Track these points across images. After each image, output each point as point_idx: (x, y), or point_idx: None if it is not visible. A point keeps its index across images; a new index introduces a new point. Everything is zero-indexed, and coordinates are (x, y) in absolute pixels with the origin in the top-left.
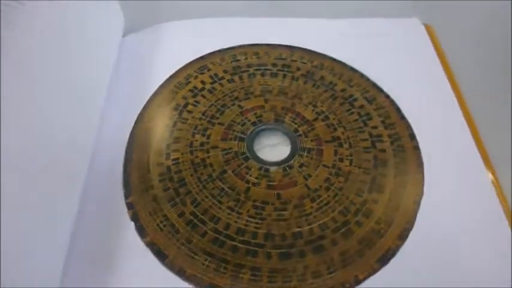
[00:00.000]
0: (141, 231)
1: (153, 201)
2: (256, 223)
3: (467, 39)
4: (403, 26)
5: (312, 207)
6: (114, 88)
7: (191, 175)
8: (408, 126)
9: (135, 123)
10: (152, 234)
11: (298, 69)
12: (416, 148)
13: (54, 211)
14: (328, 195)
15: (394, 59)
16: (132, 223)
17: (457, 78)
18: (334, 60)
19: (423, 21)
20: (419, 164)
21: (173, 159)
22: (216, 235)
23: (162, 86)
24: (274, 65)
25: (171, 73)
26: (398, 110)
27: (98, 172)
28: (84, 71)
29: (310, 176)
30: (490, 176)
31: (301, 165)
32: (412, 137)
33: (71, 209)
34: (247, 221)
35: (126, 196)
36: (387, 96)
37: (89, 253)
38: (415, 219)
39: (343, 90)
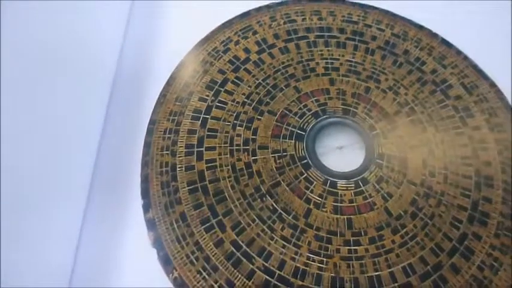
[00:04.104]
0: (165, 263)
1: (181, 221)
2: (321, 262)
3: None
4: None
5: (393, 241)
6: (125, 57)
7: (232, 187)
8: None
9: (155, 106)
10: (181, 269)
11: (374, 38)
12: None
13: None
14: (415, 226)
15: (505, 36)
16: (155, 251)
17: None
18: (421, 27)
19: None
20: None
21: (208, 161)
22: (267, 277)
23: (191, 53)
24: (341, 30)
25: (204, 35)
26: (507, 105)
27: (104, 180)
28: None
29: (391, 196)
30: None
31: (379, 180)
32: None
33: (75, 221)
34: (308, 258)
35: (145, 210)
36: (493, 85)
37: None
38: None
39: (433, 71)
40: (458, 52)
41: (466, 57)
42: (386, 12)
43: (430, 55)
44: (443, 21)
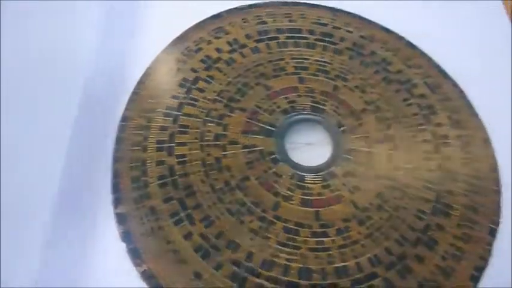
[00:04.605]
0: (134, 256)
1: (150, 215)
2: (289, 253)
3: None
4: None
5: (359, 232)
6: (98, 55)
7: (202, 181)
8: (482, 127)
9: (127, 103)
10: (149, 263)
11: (342, 39)
12: (492, 157)
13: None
14: (381, 217)
15: (466, 39)
16: (124, 244)
17: None
18: (387, 31)
19: None
20: (496, 180)
21: (178, 156)
22: (235, 268)
23: (164, 52)
24: (311, 32)
25: (177, 35)
26: (469, 104)
27: (76, 173)
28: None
29: (357, 189)
30: None
31: (346, 174)
32: (487, 142)
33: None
34: (276, 249)
35: (115, 205)
36: (455, 85)
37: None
38: (491, 254)
39: (399, 71)
40: (423, 54)
41: (430, 59)
42: (354, 16)
43: (395, 56)
44: (411, 25)
